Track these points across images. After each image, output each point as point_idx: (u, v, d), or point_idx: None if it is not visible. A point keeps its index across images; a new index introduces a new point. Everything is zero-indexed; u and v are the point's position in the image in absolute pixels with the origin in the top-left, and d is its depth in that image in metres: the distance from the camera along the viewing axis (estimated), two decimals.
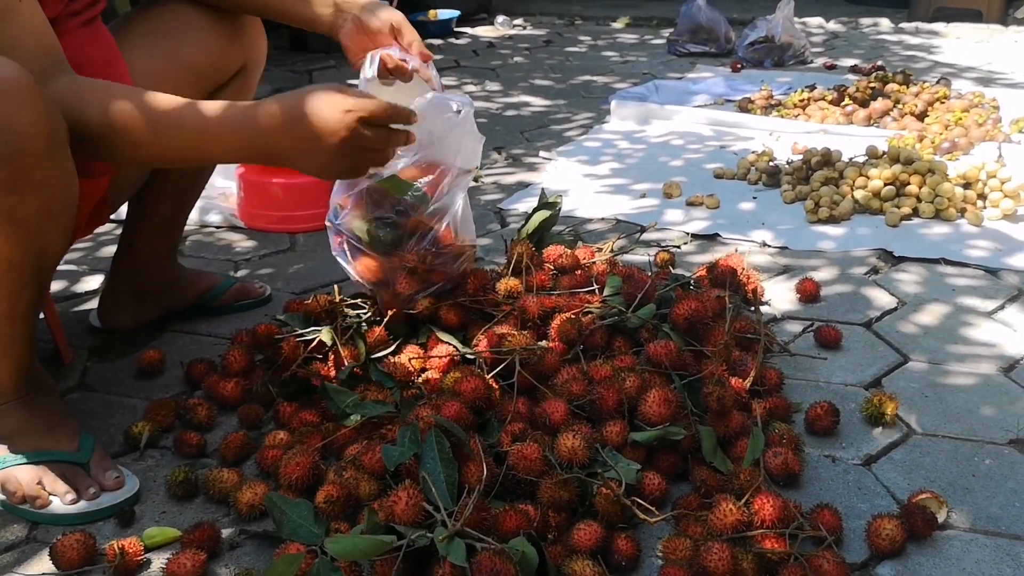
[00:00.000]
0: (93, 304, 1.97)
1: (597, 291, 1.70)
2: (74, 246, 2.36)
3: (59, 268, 2.22)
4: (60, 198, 1.27)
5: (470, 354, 1.56)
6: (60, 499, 1.35)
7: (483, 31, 5.48)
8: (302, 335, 1.67)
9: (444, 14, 5.32)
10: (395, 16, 1.62)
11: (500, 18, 5.67)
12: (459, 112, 1.57)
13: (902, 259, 2.19)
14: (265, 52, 1.83)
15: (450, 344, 1.61)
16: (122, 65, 1.54)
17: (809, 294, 1.98)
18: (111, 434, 1.56)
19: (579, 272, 1.78)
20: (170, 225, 1.86)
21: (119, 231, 1.91)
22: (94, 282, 2.16)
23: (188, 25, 1.65)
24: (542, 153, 3.12)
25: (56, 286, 2.13)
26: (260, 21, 1.78)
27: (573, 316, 1.59)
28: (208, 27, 1.67)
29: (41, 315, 1.81)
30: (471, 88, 4.12)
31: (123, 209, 1.85)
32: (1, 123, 1.14)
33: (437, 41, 5.13)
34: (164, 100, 1.28)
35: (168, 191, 1.80)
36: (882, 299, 2.00)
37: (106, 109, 1.25)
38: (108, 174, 1.53)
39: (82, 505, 1.35)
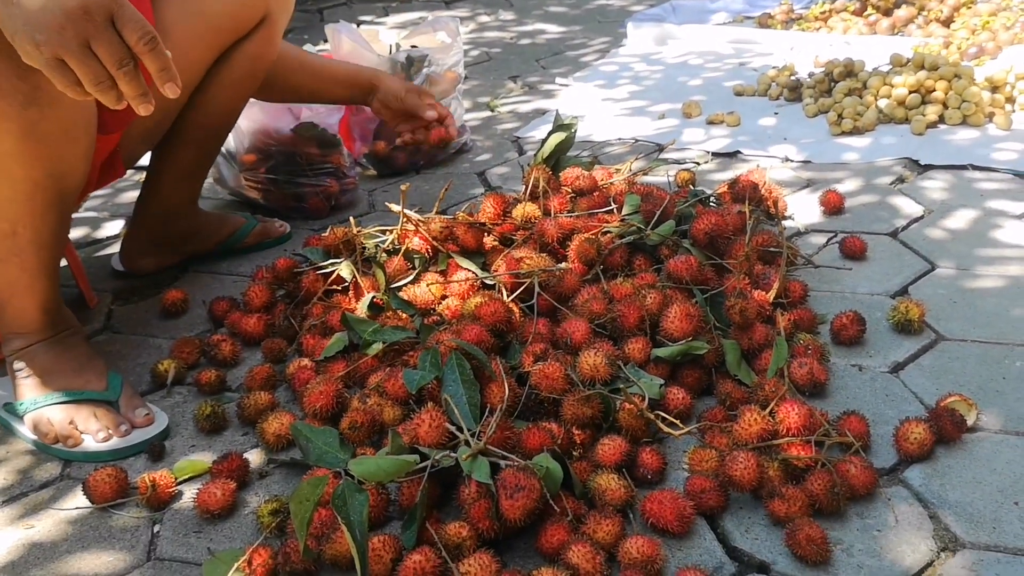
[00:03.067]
0: (115, 249, 1.98)
1: (615, 211, 1.68)
2: (94, 193, 2.38)
3: (80, 215, 2.25)
4: (79, 115, 1.26)
5: (489, 279, 1.55)
6: (92, 437, 1.37)
7: None
8: (321, 268, 1.67)
9: None
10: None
11: None
12: None
13: (928, 167, 2.14)
14: (292, 1, 1.80)
15: (469, 270, 1.60)
16: (146, 4, 1.51)
17: (833, 206, 1.95)
18: (138, 373, 1.58)
19: (597, 193, 1.76)
20: (193, 175, 1.85)
21: (139, 177, 1.91)
22: (115, 227, 2.17)
23: None
24: (558, 80, 3.08)
25: (77, 232, 2.14)
26: None
27: (592, 236, 1.57)
28: None
29: (64, 262, 1.84)
30: (484, 19, 4.05)
31: (146, 158, 1.85)
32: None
33: None
34: None
35: (191, 141, 1.78)
36: (908, 208, 1.96)
37: None
38: (118, 130, 1.51)
39: (114, 442, 1.37)
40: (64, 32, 1.01)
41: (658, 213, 1.61)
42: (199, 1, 1.60)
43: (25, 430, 1.40)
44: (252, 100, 2.14)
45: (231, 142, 2.15)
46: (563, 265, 1.55)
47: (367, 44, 2.33)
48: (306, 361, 1.49)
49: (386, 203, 1.89)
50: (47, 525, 1.25)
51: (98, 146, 1.45)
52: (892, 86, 2.42)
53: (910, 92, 2.38)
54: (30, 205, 1.26)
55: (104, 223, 2.21)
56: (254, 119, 2.12)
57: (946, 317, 1.56)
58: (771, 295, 1.50)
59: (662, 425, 1.23)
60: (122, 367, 1.58)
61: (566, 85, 3.02)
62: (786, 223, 1.91)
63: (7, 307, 1.38)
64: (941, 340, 1.51)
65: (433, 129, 2.24)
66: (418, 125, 2.22)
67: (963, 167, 2.12)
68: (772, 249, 1.64)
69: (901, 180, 2.11)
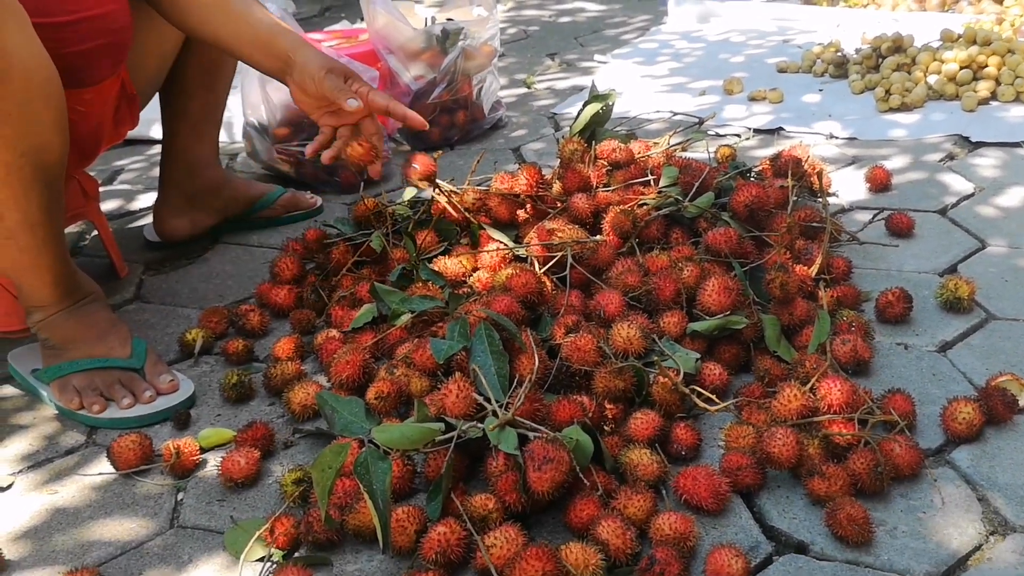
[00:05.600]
0: (147, 220, 1.97)
1: (652, 183, 1.63)
2: (128, 167, 2.37)
3: (113, 187, 2.24)
4: (39, 84, 1.20)
5: (520, 251, 1.51)
6: (117, 403, 1.36)
7: None
8: (352, 239, 1.64)
9: None
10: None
11: None
12: None
13: (979, 144, 2.07)
14: None
15: (501, 241, 1.56)
16: None
17: (880, 182, 1.88)
18: (167, 343, 1.56)
19: (633, 166, 1.71)
20: (206, 121, 1.82)
21: None
22: (148, 200, 2.15)
23: None
24: (597, 56, 3.02)
25: (111, 204, 2.14)
26: None
27: (627, 207, 1.52)
28: None
29: (95, 232, 1.83)
30: None
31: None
32: None
33: None
34: None
35: (192, 89, 1.76)
36: (958, 185, 1.89)
37: None
38: (113, 76, 1.48)
39: (138, 409, 1.35)
40: None
41: (697, 185, 1.56)
42: None
43: (51, 396, 1.39)
44: None
45: (263, 114, 2.12)
46: (597, 237, 1.50)
47: (403, 17, 2.30)
48: (334, 332, 1.46)
49: (408, 174, 1.86)
50: (71, 491, 1.24)
51: (95, 97, 1.43)
52: (942, 62, 2.34)
53: (961, 68, 2.30)
54: (9, 188, 1.23)
55: (137, 195, 2.20)
56: (287, 92, 2.09)
57: (997, 296, 1.50)
58: (813, 270, 1.44)
59: (697, 400, 1.19)
60: (151, 336, 1.56)
61: (605, 62, 2.97)
62: (830, 199, 1.85)
63: (20, 284, 1.36)
64: (992, 319, 1.44)
65: (358, 142, 1.51)
66: (343, 123, 1.52)
67: (1016, 144, 2.05)
68: (815, 224, 1.58)
69: (951, 157, 2.03)
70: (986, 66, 2.29)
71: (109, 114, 1.51)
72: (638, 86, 2.68)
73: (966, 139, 2.09)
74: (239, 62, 1.79)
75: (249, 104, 2.15)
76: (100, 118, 1.49)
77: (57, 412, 1.39)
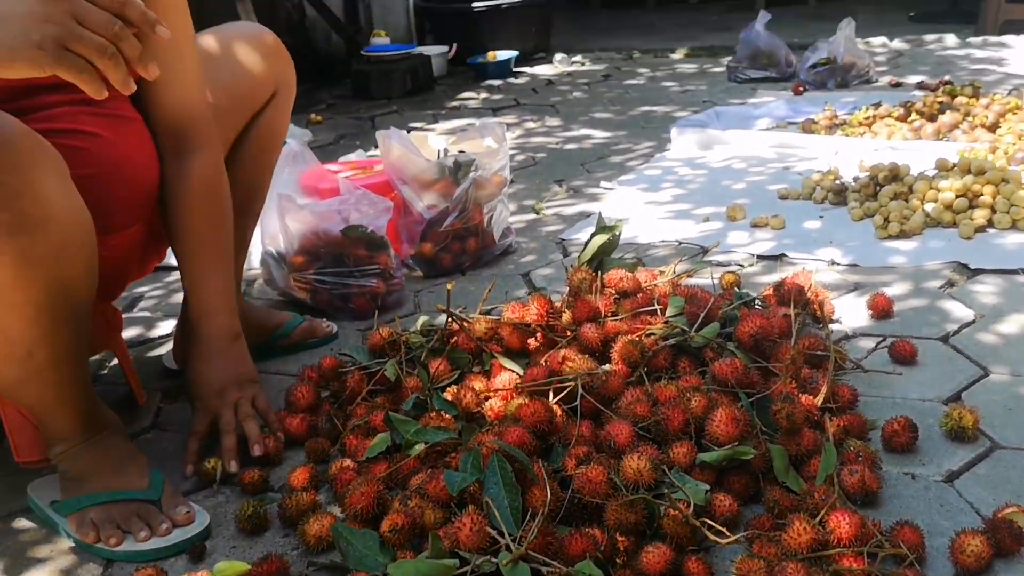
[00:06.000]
0: (166, 348, 2.02)
1: (659, 312, 1.68)
2: (148, 294, 2.43)
3: (133, 314, 2.30)
4: (70, 233, 1.26)
5: (533, 388, 1.54)
6: (133, 536, 1.37)
7: (542, 69, 5.53)
8: (367, 368, 1.68)
9: (503, 55, 5.39)
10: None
11: (559, 56, 5.71)
12: None
13: (978, 271, 2.12)
14: (294, 77, 1.85)
15: (513, 371, 1.60)
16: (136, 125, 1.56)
17: (881, 310, 1.93)
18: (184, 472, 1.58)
19: (641, 295, 1.76)
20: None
21: None
22: (167, 327, 2.21)
23: (226, 52, 1.69)
24: (603, 183, 3.12)
25: (130, 332, 2.19)
26: (284, 47, 1.81)
27: (635, 338, 1.57)
28: (243, 51, 1.71)
29: (115, 360, 1.87)
30: (531, 124, 4.14)
31: None
32: None
33: (497, 82, 5.19)
34: None
35: None
36: (959, 312, 1.94)
37: None
38: (140, 221, 1.56)
39: (155, 542, 1.37)
40: (52, 19, 1.02)
41: (702, 315, 1.60)
42: (220, 79, 1.67)
43: (68, 529, 1.40)
44: (303, 203, 2.20)
45: (281, 243, 2.20)
46: (606, 367, 1.54)
47: (416, 150, 2.39)
48: (348, 461, 1.48)
49: (435, 305, 1.91)
50: None
51: (120, 241, 1.50)
52: (939, 190, 2.41)
53: (957, 196, 2.37)
54: (39, 327, 1.27)
55: (157, 323, 2.25)
56: (304, 221, 2.18)
57: (1001, 424, 1.52)
58: (819, 400, 1.47)
59: (708, 533, 1.20)
60: (168, 466, 1.58)
61: (611, 188, 3.06)
62: (833, 326, 1.89)
63: (43, 418, 1.40)
64: (997, 448, 1.46)
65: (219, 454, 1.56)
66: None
67: (1014, 271, 2.10)
68: (819, 353, 1.62)
69: (951, 284, 2.08)
70: (981, 194, 2.36)
71: (136, 254, 1.58)
72: (643, 212, 2.76)
73: (965, 266, 2.15)
74: (266, 200, 1.90)
75: (268, 234, 2.23)
76: (126, 259, 1.56)
77: (74, 545, 1.41)
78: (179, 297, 2.38)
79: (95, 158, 1.41)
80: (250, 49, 1.73)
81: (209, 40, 1.69)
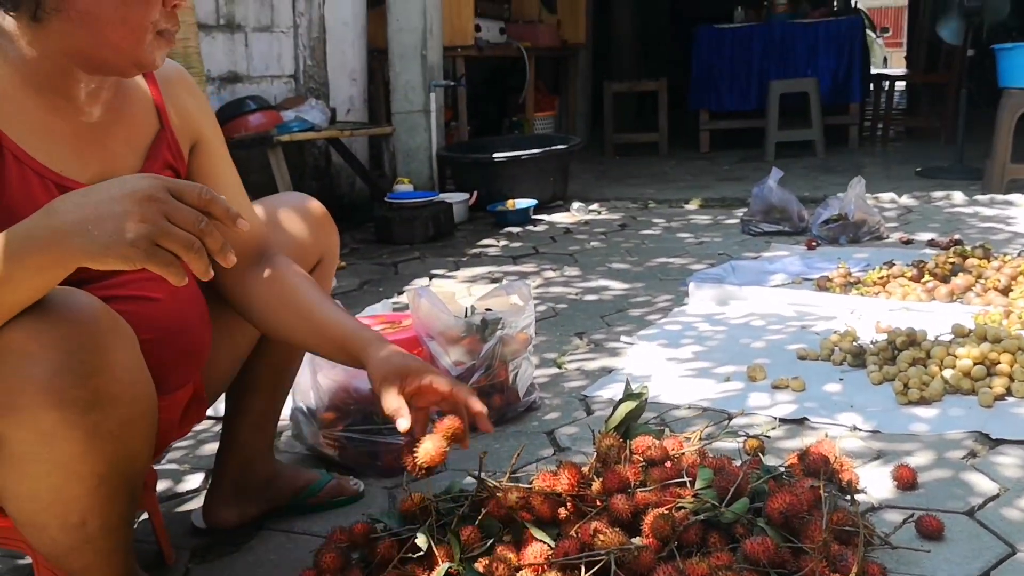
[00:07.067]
0: (195, 503, 2.04)
1: (688, 484, 1.70)
2: (176, 444, 2.46)
3: (161, 466, 2.32)
4: (138, 408, 1.31)
5: (566, 562, 1.55)
6: None
7: (560, 217, 5.68)
8: (397, 534, 1.70)
9: (522, 203, 5.55)
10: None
11: (576, 204, 5.88)
12: None
13: (1000, 441, 2.14)
14: (339, 245, 1.93)
15: (544, 542, 1.61)
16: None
17: (906, 481, 1.94)
18: None
19: (669, 464, 1.79)
20: (266, 420, 1.93)
21: (218, 427, 1.99)
22: (196, 481, 2.23)
23: (273, 222, 1.77)
24: (623, 337, 3.18)
25: (159, 486, 2.20)
26: (330, 216, 1.90)
27: (666, 512, 1.59)
28: (290, 221, 1.79)
29: (146, 516, 1.89)
30: (550, 274, 4.24)
31: (221, 404, 1.94)
32: (75, 344, 1.20)
33: (516, 229, 5.33)
34: None
35: (259, 387, 1.88)
36: (983, 485, 1.95)
37: None
38: (189, 381, 1.61)
39: None
40: (147, 219, 1.08)
41: (732, 490, 1.63)
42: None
43: None
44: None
45: (312, 400, 2.24)
46: (637, 541, 1.55)
47: (444, 307, 2.46)
48: None
49: (468, 471, 1.94)
50: None
51: (172, 404, 1.54)
52: (956, 357, 2.46)
53: (975, 364, 2.42)
54: (96, 497, 1.30)
55: (185, 476, 2.27)
56: (335, 378, 2.22)
57: None
58: None
59: None
60: None
61: (631, 343, 3.11)
62: (859, 496, 1.90)
63: None
64: None
65: (432, 439, 1.55)
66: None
67: None
68: (848, 528, 1.63)
69: (973, 455, 2.10)
70: (999, 362, 2.41)
71: (178, 416, 1.62)
72: (664, 369, 2.80)
73: (986, 436, 2.17)
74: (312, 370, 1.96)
75: (299, 389, 2.27)
76: (170, 422, 1.60)
77: None
78: (207, 449, 2.42)
79: (157, 322, 1.47)
80: (297, 219, 1.81)
81: (258, 211, 1.78)
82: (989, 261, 3.45)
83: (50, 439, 1.22)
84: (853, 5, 10.44)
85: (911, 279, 3.40)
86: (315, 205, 1.88)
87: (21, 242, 1.09)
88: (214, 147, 1.66)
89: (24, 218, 1.12)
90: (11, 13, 1.31)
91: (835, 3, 8.98)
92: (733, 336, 3.10)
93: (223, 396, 1.89)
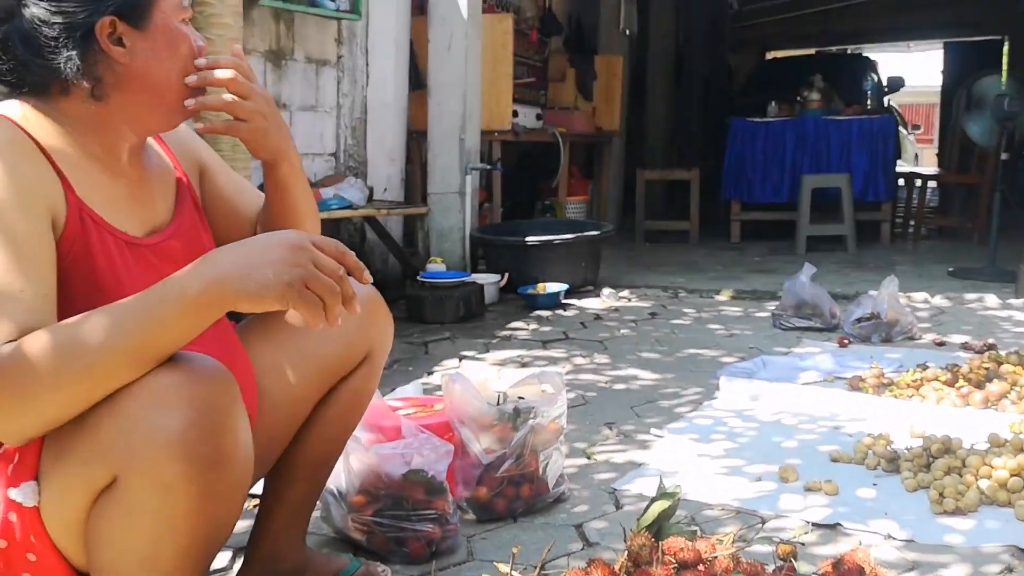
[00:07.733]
0: None
1: None
2: None
3: None
4: (248, 472, 1.34)
5: None
6: None
7: (590, 303, 5.70)
8: None
9: (552, 287, 5.58)
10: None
11: (606, 290, 5.90)
12: None
13: None
14: (391, 337, 1.92)
15: None
16: (243, 358, 1.67)
17: None
18: None
19: (702, 567, 1.77)
20: (302, 509, 1.93)
21: (248, 505, 1.99)
22: (223, 559, 2.22)
23: None
24: (653, 430, 3.16)
25: None
26: (387, 307, 1.89)
27: None
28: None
29: None
30: (580, 360, 4.24)
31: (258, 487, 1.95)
32: (207, 404, 1.25)
33: (546, 313, 5.35)
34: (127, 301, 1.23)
35: (299, 477, 1.88)
36: None
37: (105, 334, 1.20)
38: None
39: None
40: (299, 264, 1.22)
41: None
42: (310, 345, 1.76)
43: None
44: (367, 444, 2.26)
45: (343, 482, 2.24)
46: None
47: (477, 393, 2.47)
48: None
49: (496, 564, 1.92)
50: None
51: None
52: (992, 467, 2.43)
53: (1011, 475, 2.38)
54: (187, 559, 1.31)
55: None
56: (366, 462, 2.23)
57: None
58: None
59: None
60: None
61: (660, 436, 3.10)
62: None
63: None
64: None
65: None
66: None
67: None
68: None
69: (1009, 570, 2.06)
70: None
71: None
72: (695, 465, 2.78)
73: (1023, 551, 2.13)
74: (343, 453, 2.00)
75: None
76: None
77: None
78: (240, 525, 2.41)
79: None
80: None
81: None
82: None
83: (167, 491, 1.24)
84: (887, 104, 10.53)
85: (945, 383, 3.37)
86: (367, 288, 1.73)
87: (181, 287, 1.21)
88: (216, 166, 1.76)
89: (109, 282, 1.23)
90: (64, 97, 1.42)
91: (868, 101, 9.04)
92: (764, 434, 3.08)
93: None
